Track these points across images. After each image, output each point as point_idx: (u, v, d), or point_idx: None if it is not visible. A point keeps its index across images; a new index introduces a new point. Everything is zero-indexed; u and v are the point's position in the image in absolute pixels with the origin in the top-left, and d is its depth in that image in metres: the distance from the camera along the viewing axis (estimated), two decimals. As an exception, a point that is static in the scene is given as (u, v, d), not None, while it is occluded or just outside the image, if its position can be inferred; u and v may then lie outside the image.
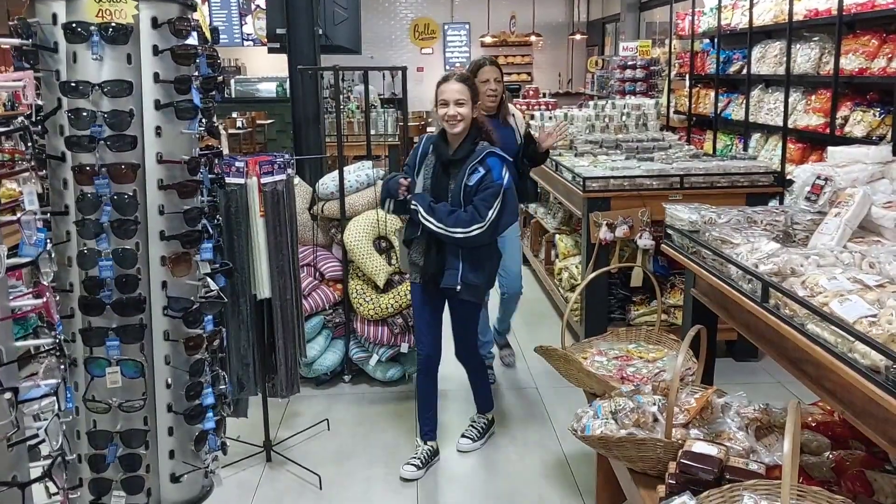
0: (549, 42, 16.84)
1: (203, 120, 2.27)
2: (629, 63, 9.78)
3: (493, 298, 4.38)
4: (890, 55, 4.87)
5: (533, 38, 16.36)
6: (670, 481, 2.09)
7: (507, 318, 4.66)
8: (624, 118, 6.26)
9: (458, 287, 3.21)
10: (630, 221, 4.40)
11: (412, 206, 3.20)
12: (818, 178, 2.66)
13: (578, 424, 2.52)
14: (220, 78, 2.33)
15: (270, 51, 4.89)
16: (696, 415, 2.33)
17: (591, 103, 6.69)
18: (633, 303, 4.76)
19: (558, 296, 5.44)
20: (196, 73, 2.23)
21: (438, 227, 3.12)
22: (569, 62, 17.10)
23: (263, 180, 3.01)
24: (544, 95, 10.62)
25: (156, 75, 2.18)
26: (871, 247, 2.33)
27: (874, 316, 1.78)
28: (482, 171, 3.12)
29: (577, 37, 16.36)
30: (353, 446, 3.71)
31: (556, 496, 3.25)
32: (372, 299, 4.15)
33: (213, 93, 2.33)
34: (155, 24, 2.17)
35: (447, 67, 16.46)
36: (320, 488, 3.32)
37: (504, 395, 4.25)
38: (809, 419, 2.74)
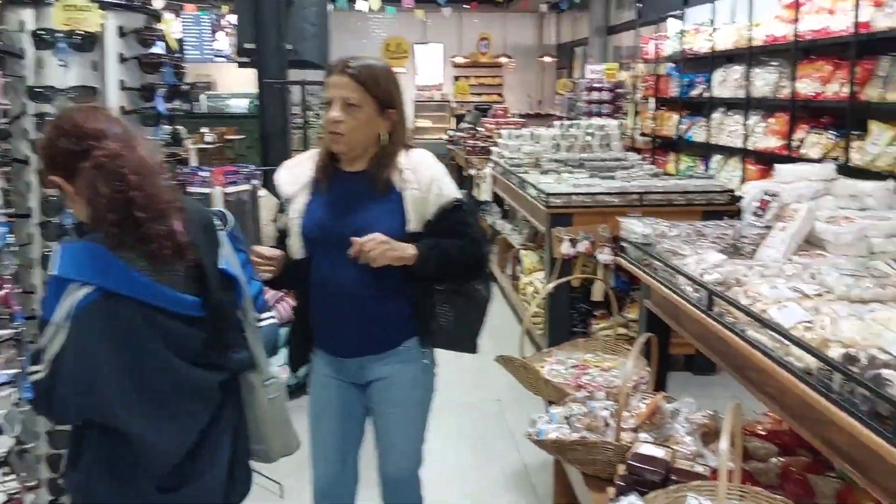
0: (520, 64, 17.08)
1: (167, 127, 2.31)
2: (596, 85, 9.97)
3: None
4: (843, 80, 5.05)
5: (504, 60, 16.58)
6: (619, 482, 2.16)
7: None
8: (588, 138, 6.39)
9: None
10: (591, 237, 4.51)
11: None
12: (765, 193, 2.77)
13: (534, 429, 2.58)
14: (186, 87, 2.38)
15: (240, 65, 4.94)
16: (646, 419, 2.41)
17: (558, 123, 6.81)
18: (595, 317, 4.85)
19: (524, 310, 5.52)
20: (161, 82, 2.28)
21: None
22: (539, 84, 17.35)
23: (228, 190, 3.05)
24: (512, 116, 10.76)
25: (121, 82, 2.23)
26: (814, 259, 2.43)
27: (810, 322, 1.87)
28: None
29: (547, 59, 16.64)
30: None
31: (514, 505, 3.31)
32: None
33: (178, 101, 2.38)
34: (121, 32, 2.22)
35: (416, 86, 16.64)
36: (281, 496, 3.33)
37: (466, 407, 4.30)
38: (759, 428, 2.83)
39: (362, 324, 2.19)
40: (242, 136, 9.80)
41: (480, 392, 4.53)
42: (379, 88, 2.12)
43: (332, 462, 2.33)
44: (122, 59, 2.22)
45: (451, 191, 2.19)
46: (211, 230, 1.76)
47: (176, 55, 2.33)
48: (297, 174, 2.25)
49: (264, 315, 1.93)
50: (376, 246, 2.03)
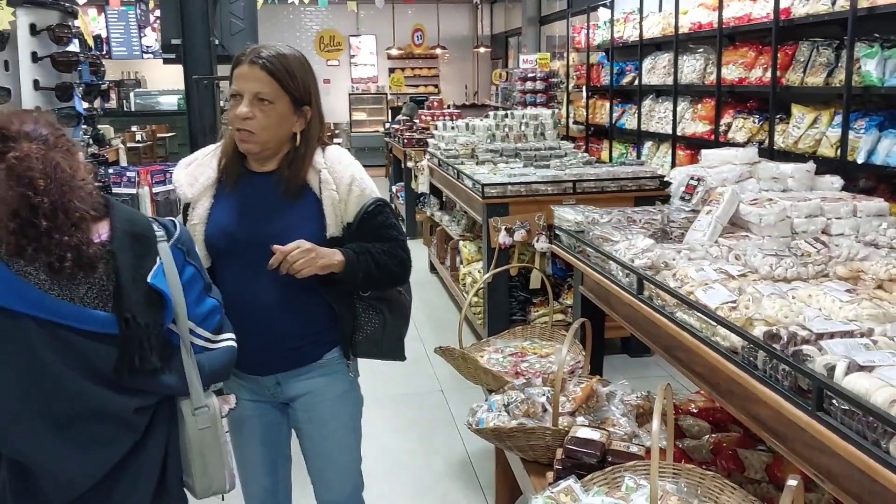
0: (455, 55, 17.10)
1: (87, 127, 2.24)
2: (530, 75, 10.05)
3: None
4: (766, 66, 5.20)
5: (439, 51, 16.58)
6: (557, 467, 2.19)
7: None
8: (523, 128, 6.45)
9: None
10: (527, 226, 4.55)
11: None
12: (691, 178, 2.84)
13: (473, 419, 2.60)
14: (105, 85, 2.31)
15: (166, 61, 4.82)
16: (582, 403, 2.45)
17: (493, 114, 6.86)
18: (534, 304, 4.91)
19: (464, 301, 5.54)
20: (78, 81, 2.21)
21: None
22: (475, 75, 17.41)
23: (155, 189, 2.98)
24: (448, 107, 10.78)
25: (35, 82, 2.16)
26: (740, 241, 2.50)
27: (734, 302, 1.93)
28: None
29: (482, 50, 16.70)
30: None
31: (459, 494, 3.33)
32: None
33: (98, 100, 2.31)
34: (34, 30, 2.15)
35: (351, 79, 16.52)
36: None
37: (410, 401, 4.30)
38: (692, 406, 2.91)
39: (277, 339, 2.01)
40: (174, 134, 9.61)
41: (423, 383, 4.54)
42: (294, 82, 1.93)
43: (262, 484, 2.21)
44: (36, 59, 2.14)
45: (372, 190, 2.04)
46: (144, 241, 1.61)
47: (93, 52, 2.25)
48: (196, 174, 2.02)
49: (220, 336, 1.74)
50: (302, 254, 1.86)
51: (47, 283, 1.50)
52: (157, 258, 1.61)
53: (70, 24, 2.20)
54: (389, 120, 11.27)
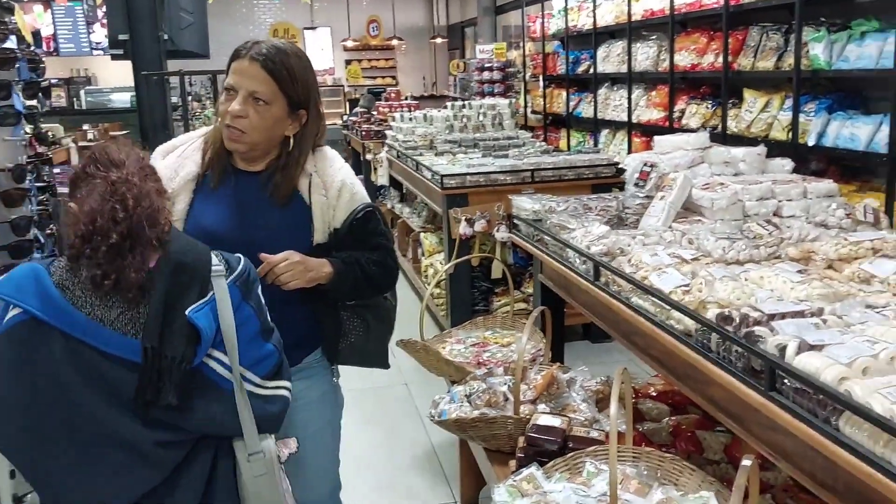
0: (412, 46, 17.03)
1: (28, 126, 2.18)
2: (487, 65, 10.05)
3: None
4: (717, 51, 5.26)
5: (395, 43, 16.50)
6: (519, 455, 2.20)
7: None
8: (481, 118, 6.45)
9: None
10: (487, 216, 4.55)
11: None
12: (645, 165, 2.86)
13: (435, 411, 2.59)
14: (46, 82, 2.25)
15: (114, 57, 4.72)
16: (543, 391, 2.46)
17: (450, 104, 6.84)
18: (496, 294, 4.92)
19: (426, 292, 5.54)
20: (17, 79, 2.14)
21: None
22: (432, 65, 17.37)
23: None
24: (406, 98, 10.74)
25: (-28, 81, 2.09)
26: (693, 225, 2.53)
27: (687, 285, 1.95)
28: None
29: (439, 40, 16.66)
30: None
31: (424, 486, 3.33)
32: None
33: (39, 97, 2.25)
34: (-32, 27, 2.07)
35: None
36: None
37: (374, 395, 4.29)
38: (651, 390, 2.94)
39: None
40: (127, 132, 9.42)
41: (386, 376, 4.50)
42: (294, 85, 1.84)
43: None
44: (-28, 56, 2.07)
45: (362, 196, 1.97)
46: (191, 272, 1.54)
47: (31, 49, 2.18)
48: (177, 167, 1.90)
49: (269, 383, 1.62)
50: (291, 267, 1.79)
51: (81, 300, 1.47)
52: (210, 292, 1.55)
53: (6, 20, 2.13)
54: (348, 112, 11.19)
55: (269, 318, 1.66)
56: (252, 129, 1.81)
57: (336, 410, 2.18)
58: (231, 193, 1.89)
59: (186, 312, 1.49)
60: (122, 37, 4.29)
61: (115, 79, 13.41)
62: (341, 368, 2.19)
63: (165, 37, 4.34)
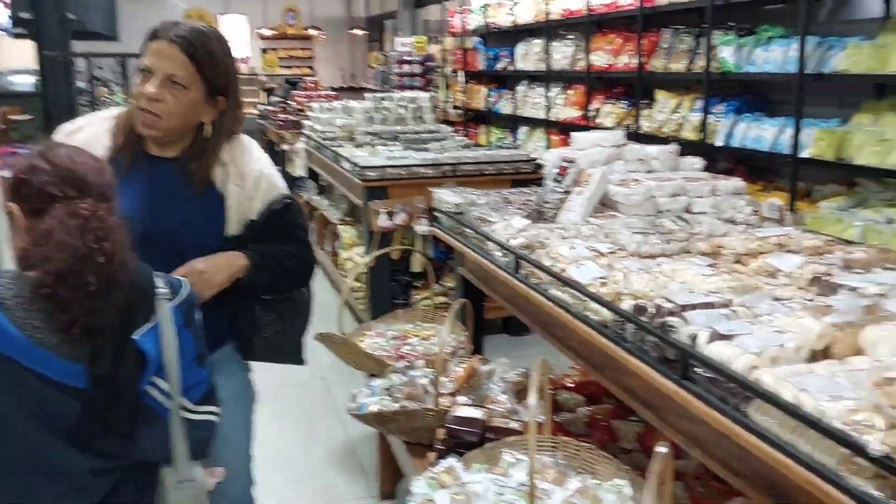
0: (331, 37, 16.85)
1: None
2: (407, 59, 10.04)
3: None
4: (632, 52, 5.41)
5: (313, 32, 16.28)
6: (439, 447, 2.20)
7: None
8: (401, 111, 6.43)
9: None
10: (408, 209, 4.54)
11: None
12: (564, 160, 2.91)
13: (354, 404, 2.58)
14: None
15: (17, 36, 4.48)
16: (464, 383, 2.48)
17: (370, 96, 6.79)
18: (416, 287, 4.92)
19: (345, 285, 5.49)
20: None
21: None
22: (351, 57, 17.22)
23: (5, 173, 2.76)
24: (325, 89, 10.60)
25: None
26: (609, 220, 2.59)
27: (604, 277, 1.99)
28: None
29: (358, 32, 16.53)
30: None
31: (341, 481, 3.30)
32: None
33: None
34: None
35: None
36: None
37: (290, 390, 4.22)
38: (568, 381, 3.00)
39: None
40: (30, 117, 8.97)
41: (304, 371, 4.44)
42: (214, 70, 1.77)
43: None
44: None
45: (281, 187, 1.91)
46: (137, 296, 1.46)
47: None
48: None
49: (200, 408, 1.56)
50: (196, 279, 1.69)
51: (21, 320, 1.36)
52: (154, 316, 1.48)
53: None
54: (266, 102, 10.95)
55: (205, 343, 1.61)
56: (168, 114, 1.74)
57: (249, 407, 2.13)
58: (143, 181, 1.80)
59: (135, 336, 1.43)
60: (25, 15, 4.07)
61: (17, 60, 12.77)
62: (256, 365, 2.14)
63: (72, 17, 4.14)
